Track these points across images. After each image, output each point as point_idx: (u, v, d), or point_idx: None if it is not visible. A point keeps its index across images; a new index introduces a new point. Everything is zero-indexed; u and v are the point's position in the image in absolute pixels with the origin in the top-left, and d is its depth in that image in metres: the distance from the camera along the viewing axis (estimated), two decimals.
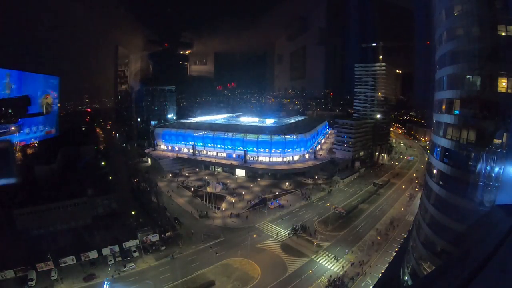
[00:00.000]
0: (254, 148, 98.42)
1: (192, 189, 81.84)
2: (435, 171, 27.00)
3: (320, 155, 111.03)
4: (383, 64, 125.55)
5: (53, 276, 43.39)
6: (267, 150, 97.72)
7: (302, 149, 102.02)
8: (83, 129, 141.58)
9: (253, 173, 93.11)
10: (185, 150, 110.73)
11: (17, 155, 79.99)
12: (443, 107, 26.81)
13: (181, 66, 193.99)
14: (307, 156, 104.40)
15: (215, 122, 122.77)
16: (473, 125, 22.67)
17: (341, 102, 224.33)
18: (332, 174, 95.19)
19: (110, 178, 77.93)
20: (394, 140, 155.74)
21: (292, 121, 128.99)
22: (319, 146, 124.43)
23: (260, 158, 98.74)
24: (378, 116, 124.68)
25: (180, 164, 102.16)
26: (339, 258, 49.74)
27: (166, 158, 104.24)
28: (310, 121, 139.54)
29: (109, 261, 47.47)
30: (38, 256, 45.48)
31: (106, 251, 48.91)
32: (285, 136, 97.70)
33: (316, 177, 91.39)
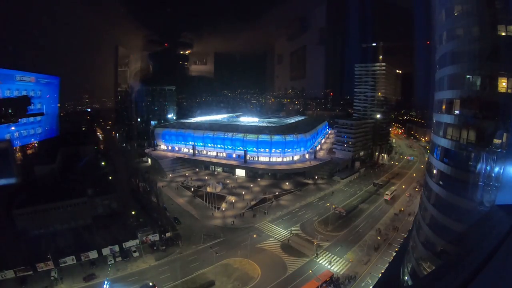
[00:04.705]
0: (254, 148, 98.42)
1: (192, 189, 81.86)
2: (435, 171, 26.98)
3: (320, 155, 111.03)
4: (383, 64, 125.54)
5: (53, 276, 43.38)
6: (267, 150, 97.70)
7: (302, 149, 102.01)
8: (83, 129, 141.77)
9: (253, 173, 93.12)
10: (185, 150, 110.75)
11: (17, 155, 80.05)
12: (443, 107, 26.78)
13: (181, 66, 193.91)
14: (307, 156, 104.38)
15: (215, 122, 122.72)
16: (473, 125, 22.64)
17: (341, 102, 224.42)
18: (332, 174, 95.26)
19: (110, 178, 77.92)
20: (394, 140, 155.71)
21: (292, 121, 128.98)
22: (319, 146, 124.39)
23: (260, 158, 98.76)
24: (378, 116, 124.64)
25: (180, 164, 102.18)
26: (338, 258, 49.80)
27: (166, 158, 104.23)
28: (310, 121, 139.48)
29: (109, 261, 47.47)
30: (38, 256, 45.55)
31: (106, 251, 48.96)
32: (285, 136, 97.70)
33: (316, 177, 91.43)
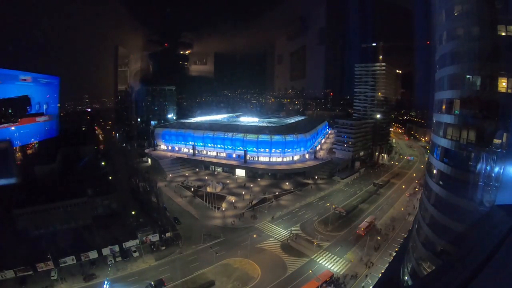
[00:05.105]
0: (254, 148, 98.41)
1: (192, 189, 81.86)
2: (435, 171, 26.99)
3: (320, 155, 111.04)
4: (383, 64, 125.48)
5: (53, 276, 43.37)
6: (267, 150, 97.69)
7: (302, 149, 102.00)
8: (83, 129, 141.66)
9: (253, 173, 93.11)
10: (185, 150, 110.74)
11: (17, 155, 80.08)
12: (443, 107, 26.79)
13: (181, 66, 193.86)
14: (307, 156, 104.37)
15: (215, 122, 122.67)
16: (473, 125, 22.66)
17: (341, 102, 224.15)
18: (332, 174, 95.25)
19: (110, 178, 77.92)
20: (394, 140, 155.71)
21: (292, 121, 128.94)
22: (319, 146, 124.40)
23: (260, 158, 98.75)
24: (378, 116, 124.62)
25: (180, 164, 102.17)
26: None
27: (166, 158, 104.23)
28: (310, 121, 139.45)
29: (109, 261, 47.46)
30: (38, 256, 45.51)
31: (106, 251, 48.92)
32: (285, 136, 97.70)
33: (316, 177, 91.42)
